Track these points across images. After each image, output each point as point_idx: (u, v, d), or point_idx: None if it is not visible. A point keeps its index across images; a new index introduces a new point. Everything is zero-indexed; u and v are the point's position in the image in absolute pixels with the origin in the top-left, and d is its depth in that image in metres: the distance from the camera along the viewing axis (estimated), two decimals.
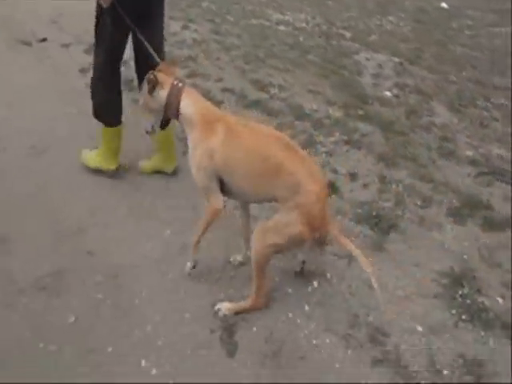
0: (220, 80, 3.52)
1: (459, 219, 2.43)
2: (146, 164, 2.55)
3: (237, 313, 1.78)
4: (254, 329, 1.75)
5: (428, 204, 2.52)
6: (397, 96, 3.60)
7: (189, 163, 1.72)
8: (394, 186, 2.61)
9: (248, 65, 3.79)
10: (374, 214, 2.38)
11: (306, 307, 1.86)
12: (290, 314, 1.82)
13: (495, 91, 4.02)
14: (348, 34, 4.87)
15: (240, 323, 1.76)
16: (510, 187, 2.70)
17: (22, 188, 2.33)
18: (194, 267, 1.88)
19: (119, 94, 2.38)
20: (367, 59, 4.25)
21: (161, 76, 1.69)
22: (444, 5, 6.86)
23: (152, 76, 1.65)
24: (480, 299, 1.95)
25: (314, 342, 1.72)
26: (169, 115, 1.71)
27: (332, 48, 4.44)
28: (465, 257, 2.19)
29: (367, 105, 3.40)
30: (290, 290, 1.93)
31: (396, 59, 4.26)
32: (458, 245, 2.26)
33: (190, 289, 1.88)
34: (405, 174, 2.72)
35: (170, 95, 1.65)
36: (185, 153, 2.69)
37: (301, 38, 4.54)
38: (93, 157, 2.50)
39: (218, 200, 1.71)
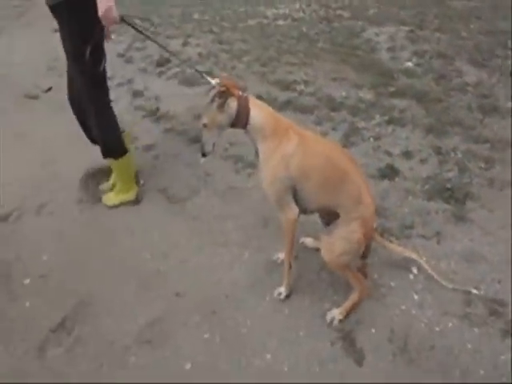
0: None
1: None
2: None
3: (349, 312, 1.79)
4: (373, 330, 1.75)
5: (491, 164, 2.51)
6: (419, 64, 3.58)
7: (261, 176, 1.71)
8: (452, 155, 2.61)
9: (265, 67, 3.77)
10: (444, 186, 2.38)
11: (415, 296, 1.86)
12: (403, 307, 1.82)
13: (507, 37, 4.00)
14: (346, 14, 4.86)
15: (357, 328, 1.76)
16: None
17: (85, 245, 2.29)
18: (288, 296, 1.89)
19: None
20: (377, 34, 4.23)
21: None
22: None
23: (224, 88, 1.61)
24: None
25: (437, 328, 1.72)
26: (238, 126, 1.68)
27: (337, 31, 4.42)
28: None
29: (394, 80, 3.38)
30: (392, 284, 1.93)
31: (405, 28, 4.25)
32: None
33: (293, 306, 1.88)
34: (458, 140, 2.71)
35: (239, 106, 1.63)
36: (238, 171, 2.72)
37: (304, 29, 4.53)
38: (111, 197, 2.55)
39: (294, 210, 1.72)
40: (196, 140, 2.97)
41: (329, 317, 1.80)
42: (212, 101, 1.65)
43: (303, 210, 1.77)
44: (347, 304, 1.80)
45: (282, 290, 1.91)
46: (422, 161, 2.60)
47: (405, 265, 2.00)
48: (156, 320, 1.87)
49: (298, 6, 5.30)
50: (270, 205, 2.41)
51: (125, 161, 2.46)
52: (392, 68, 3.58)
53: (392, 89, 3.24)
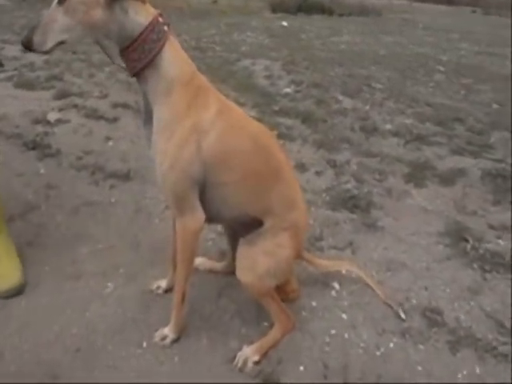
0: (105, 96, 2.95)
1: (417, 182, 2.44)
2: None
3: (267, 351, 1.31)
4: (301, 368, 1.29)
5: (385, 176, 2.47)
6: (298, 91, 3.63)
7: (155, 153, 1.14)
8: (346, 167, 2.50)
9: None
10: (345, 196, 2.20)
11: (344, 316, 1.49)
12: (333, 331, 1.43)
13: (368, 80, 4.46)
14: (218, 48, 4.85)
15: (279, 369, 1.28)
16: (435, 148, 2.90)
17: None
18: (177, 339, 1.33)
19: None
20: (252, 64, 4.25)
21: None
22: (284, 23, 7.70)
23: None
24: (487, 246, 1.92)
25: (378, 352, 1.36)
26: (130, 60, 1.07)
27: (212, 58, 4.31)
28: (445, 213, 2.18)
29: (276, 101, 3.30)
30: (314, 303, 1.53)
31: (278, 62, 4.38)
32: (431, 204, 2.24)
33: (185, 351, 1.31)
34: (349, 154, 2.65)
35: (150, 30, 1.05)
36: (96, 183, 2.06)
37: None
38: None
39: (198, 215, 1.19)
40: (34, 146, 2.24)
41: (240, 359, 1.28)
42: None
43: (210, 218, 1.25)
44: (265, 342, 1.32)
45: (168, 331, 1.32)
46: (318, 173, 2.43)
47: (323, 280, 1.65)
48: None
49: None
50: (143, 222, 1.92)
51: None
52: (272, 92, 3.53)
53: (275, 108, 3.13)
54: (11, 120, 2.49)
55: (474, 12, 16.30)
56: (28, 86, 2.99)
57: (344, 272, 1.69)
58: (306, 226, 1.38)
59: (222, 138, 1.14)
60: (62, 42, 1.06)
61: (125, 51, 1.07)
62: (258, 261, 1.24)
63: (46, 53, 1.07)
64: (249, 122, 1.26)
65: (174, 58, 1.10)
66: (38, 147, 2.21)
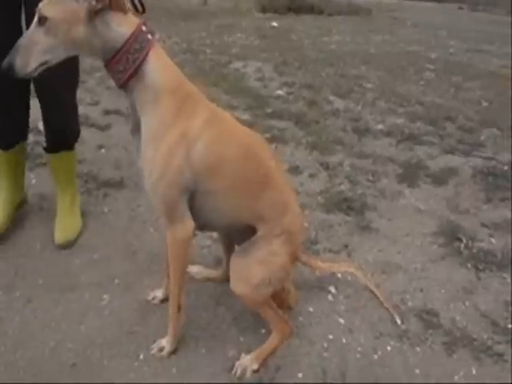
0: (96, 103, 2.92)
1: (410, 183, 2.45)
2: None
3: (266, 358, 1.30)
4: (300, 375, 1.29)
5: (378, 177, 2.48)
6: (290, 93, 3.63)
7: (143, 163, 1.13)
8: (339, 169, 2.51)
9: None
10: (339, 199, 2.20)
11: (341, 320, 1.50)
12: (330, 336, 1.43)
13: (358, 80, 4.47)
14: (209, 50, 4.83)
15: (278, 376, 1.28)
16: (427, 147, 2.92)
17: None
18: (174, 351, 1.32)
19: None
20: (244, 66, 4.24)
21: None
22: (274, 24, 7.70)
23: None
24: (480, 245, 1.94)
25: (376, 356, 1.37)
26: (115, 71, 1.06)
27: (203, 62, 4.29)
28: (438, 213, 2.19)
29: (268, 104, 3.30)
30: (310, 309, 1.53)
31: (270, 64, 4.38)
32: (424, 204, 2.25)
33: (183, 362, 1.31)
34: (342, 156, 2.65)
35: (133, 40, 1.03)
36: (90, 192, 2.05)
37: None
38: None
39: (188, 224, 1.18)
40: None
41: (239, 368, 1.27)
42: None
43: (201, 226, 1.25)
44: (263, 349, 1.31)
45: (165, 342, 1.31)
46: (312, 175, 2.43)
47: (319, 284, 1.65)
48: None
49: (157, 36, 5.09)
50: (137, 231, 1.90)
51: None
52: (264, 94, 3.52)
53: (268, 110, 3.13)
54: None
55: (461, 9, 16.38)
56: None
57: (340, 275, 1.70)
58: (300, 230, 1.37)
59: (210, 146, 1.13)
60: (44, 63, 1.04)
61: (109, 63, 1.06)
62: (251, 272, 1.23)
63: (28, 76, 1.04)
64: (238, 129, 1.25)
65: (159, 67, 1.08)
66: (29, 157, 2.19)
